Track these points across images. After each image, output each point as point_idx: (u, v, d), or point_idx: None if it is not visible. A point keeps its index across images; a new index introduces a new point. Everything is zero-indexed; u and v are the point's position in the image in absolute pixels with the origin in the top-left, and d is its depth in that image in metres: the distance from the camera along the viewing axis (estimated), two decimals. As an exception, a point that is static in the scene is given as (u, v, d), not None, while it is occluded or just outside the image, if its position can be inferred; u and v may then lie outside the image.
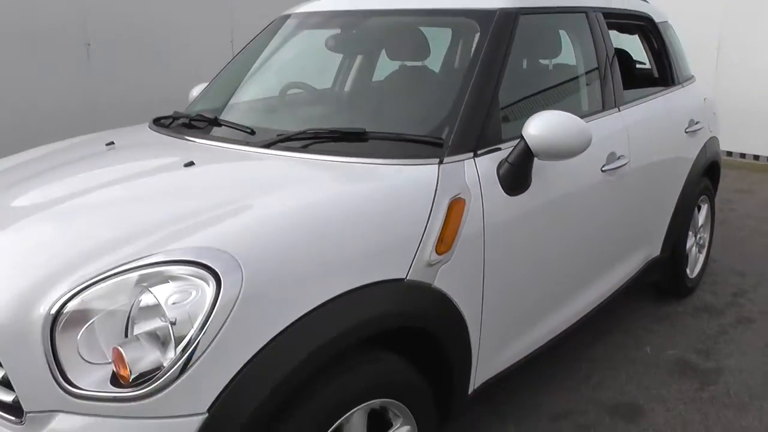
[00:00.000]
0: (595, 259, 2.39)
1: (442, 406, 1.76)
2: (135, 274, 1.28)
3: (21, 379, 1.29)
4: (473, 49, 2.00)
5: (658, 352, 2.76)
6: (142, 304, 1.28)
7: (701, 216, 3.28)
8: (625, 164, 2.37)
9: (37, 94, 3.89)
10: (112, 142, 2.11)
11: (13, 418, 1.32)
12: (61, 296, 1.28)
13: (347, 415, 1.45)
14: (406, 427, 1.64)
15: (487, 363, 1.91)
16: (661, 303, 3.20)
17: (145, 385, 1.23)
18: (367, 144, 1.82)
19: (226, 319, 1.24)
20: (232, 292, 1.25)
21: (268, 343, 1.28)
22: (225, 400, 1.24)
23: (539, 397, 2.42)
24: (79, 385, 1.26)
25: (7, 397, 1.34)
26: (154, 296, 1.24)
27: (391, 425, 1.62)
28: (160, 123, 2.34)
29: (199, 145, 2.00)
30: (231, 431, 1.24)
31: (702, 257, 3.39)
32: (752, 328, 2.96)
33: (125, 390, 1.24)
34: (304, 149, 1.83)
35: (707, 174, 3.21)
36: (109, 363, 1.27)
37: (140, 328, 1.28)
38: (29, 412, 1.29)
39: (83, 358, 1.28)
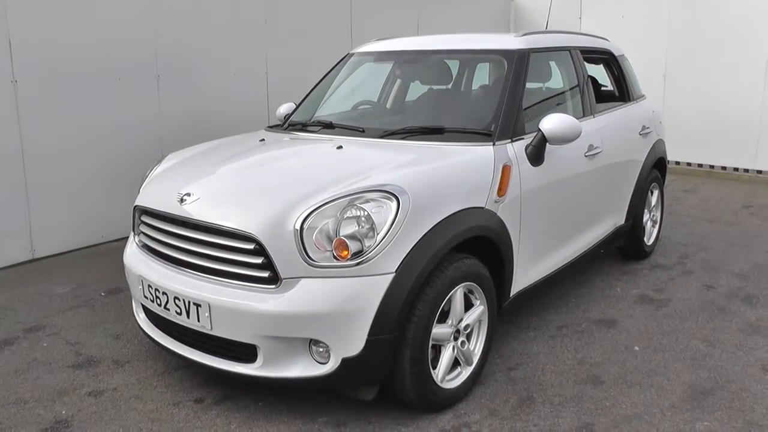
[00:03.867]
0: (583, 216, 3.59)
1: (498, 299, 2.88)
2: (346, 199, 2.37)
3: (281, 259, 2.33)
4: (504, 76, 3.19)
5: (625, 291, 3.97)
6: (346, 215, 2.36)
7: (653, 198, 4.55)
8: (599, 152, 3.58)
9: (119, 113, 4.91)
10: (263, 139, 3.22)
11: (272, 286, 2.38)
12: (303, 214, 2.35)
13: (455, 288, 2.56)
14: (482, 307, 2.76)
15: (519, 277, 3.05)
16: (625, 263, 4.44)
17: (358, 258, 2.32)
18: (444, 135, 2.99)
19: (403, 220, 2.34)
20: (404, 206, 2.36)
21: (424, 235, 2.39)
22: (404, 265, 2.33)
23: (547, 316, 3.58)
24: (316, 260, 2.34)
25: (265, 274, 2.38)
26: (365, 209, 2.33)
27: (472, 305, 2.74)
28: (277, 128, 3.45)
29: (330, 138, 3.11)
30: (407, 282, 2.33)
31: (655, 230, 4.65)
32: (693, 277, 4.21)
33: (347, 261, 2.32)
34: (404, 138, 2.98)
35: (656, 166, 4.47)
36: (329, 250, 2.35)
37: (344, 231, 2.35)
38: (285, 278, 2.34)
39: (316, 246, 2.35)
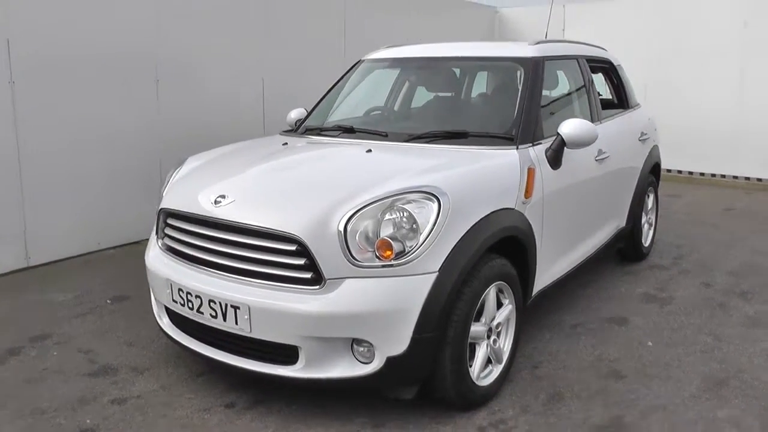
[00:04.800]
0: (593, 218, 3.71)
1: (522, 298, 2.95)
2: (389, 200, 2.41)
3: (324, 260, 2.36)
4: (522, 82, 3.27)
5: (630, 291, 4.10)
6: (389, 216, 2.39)
7: (649, 202, 4.71)
8: (607, 157, 3.71)
9: (118, 116, 4.84)
10: (286, 143, 3.23)
11: (315, 287, 2.38)
12: (347, 215, 2.38)
13: (489, 288, 2.61)
14: (510, 306, 2.82)
15: (540, 277, 3.12)
16: (625, 264, 4.58)
17: (403, 258, 2.35)
18: (468, 139, 3.05)
19: (444, 221, 2.40)
20: (445, 206, 2.41)
21: (463, 235, 2.45)
22: (446, 264, 2.39)
23: (560, 316, 3.67)
24: (360, 261, 2.36)
25: (307, 275, 2.40)
26: (407, 209, 2.37)
27: (501, 304, 2.79)
28: (293, 132, 3.47)
29: (357, 142, 3.14)
30: (449, 281, 2.38)
31: (651, 232, 4.81)
32: (690, 276, 4.37)
33: (390, 261, 2.35)
34: (429, 142, 3.03)
35: (652, 171, 4.63)
36: (372, 250, 2.37)
37: (388, 231, 2.38)
38: (329, 279, 2.36)
39: (359, 246, 2.37)
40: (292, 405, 2.74)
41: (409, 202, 2.41)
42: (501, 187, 2.74)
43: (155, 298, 2.98)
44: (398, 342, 2.35)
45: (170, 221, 2.84)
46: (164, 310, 2.92)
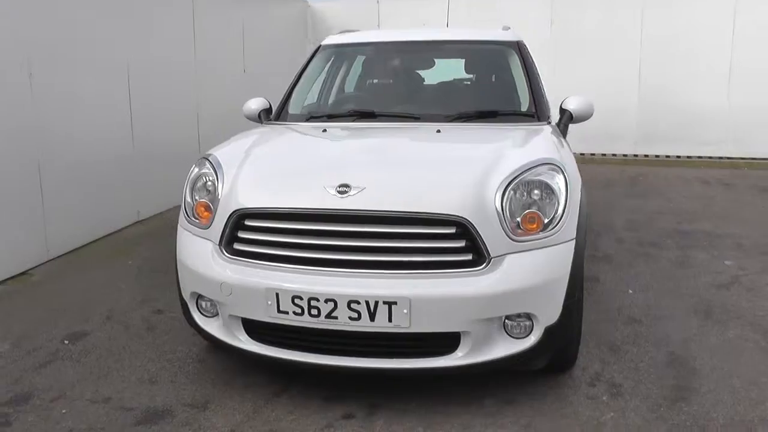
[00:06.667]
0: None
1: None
2: (529, 173, 2.50)
3: (488, 238, 2.36)
4: (519, 63, 3.57)
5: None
6: (533, 189, 2.49)
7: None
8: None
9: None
10: (325, 129, 3.05)
11: (479, 267, 2.36)
12: (500, 190, 2.43)
13: (577, 252, 2.88)
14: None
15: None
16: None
17: (551, 228, 2.48)
18: (496, 117, 3.25)
19: (572, 188, 2.58)
20: (568, 177, 2.59)
21: (580, 204, 2.65)
22: (578, 231, 2.57)
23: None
24: (516, 235, 2.43)
25: (468, 256, 2.37)
26: (545, 181, 2.50)
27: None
28: (284, 121, 3.37)
29: (412, 125, 3.15)
30: (582, 246, 2.57)
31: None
32: (602, 236, 5.16)
33: (540, 233, 2.46)
34: (464, 122, 3.18)
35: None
36: (521, 223, 2.44)
37: (534, 202, 2.48)
38: (493, 257, 2.37)
39: (513, 221, 2.43)
40: (411, 402, 2.65)
41: (540, 174, 2.55)
42: (571, 158, 3.01)
43: (225, 315, 2.57)
44: (554, 311, 2.46)
45: (252, 223, 2.51)
46: (241, 327, 2.57)
